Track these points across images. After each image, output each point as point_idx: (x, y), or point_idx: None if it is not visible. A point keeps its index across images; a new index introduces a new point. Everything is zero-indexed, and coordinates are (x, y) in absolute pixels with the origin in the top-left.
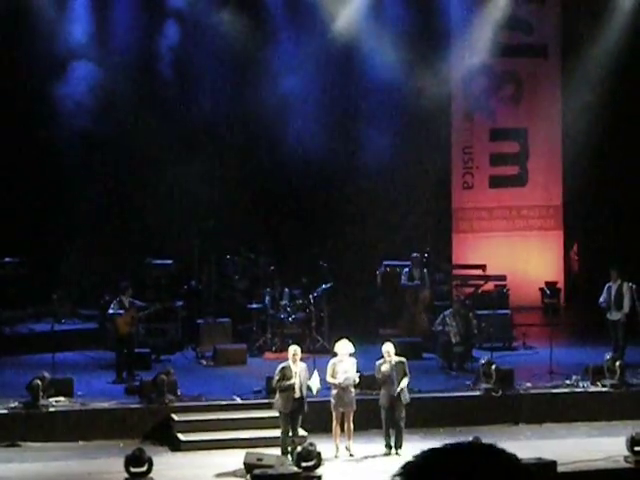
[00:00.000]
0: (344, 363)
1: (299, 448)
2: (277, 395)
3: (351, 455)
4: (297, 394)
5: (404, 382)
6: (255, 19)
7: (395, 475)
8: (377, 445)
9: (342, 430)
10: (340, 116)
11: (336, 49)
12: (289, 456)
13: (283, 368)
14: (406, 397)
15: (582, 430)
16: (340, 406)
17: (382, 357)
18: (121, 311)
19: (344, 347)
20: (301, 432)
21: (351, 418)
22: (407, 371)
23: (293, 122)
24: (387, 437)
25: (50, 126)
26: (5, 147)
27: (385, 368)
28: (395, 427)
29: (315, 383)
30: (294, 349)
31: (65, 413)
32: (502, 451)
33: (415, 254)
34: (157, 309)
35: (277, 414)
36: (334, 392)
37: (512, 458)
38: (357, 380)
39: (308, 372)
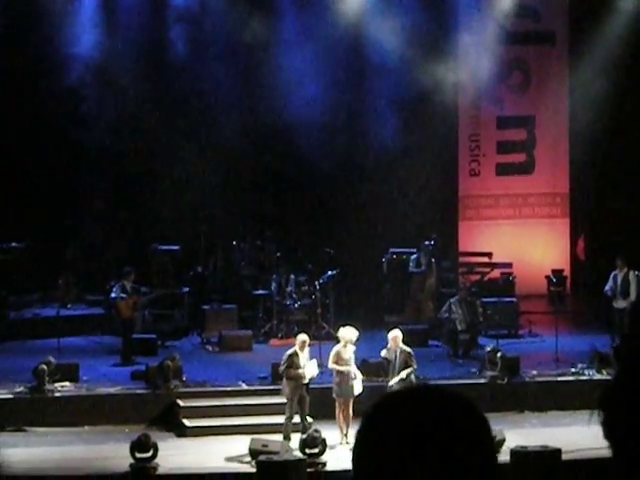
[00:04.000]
0: (347, 350)
1: (304, 435)
2: (284, 381)
3: (347, 443)
4: (305, 381)
5: (403, 373)
6: (262, 11)
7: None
8: None
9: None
10: (347, 104)
11: (344, 36)
12: (298, 441)
13: (291, 355)
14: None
15: (587, 418)
16: (342, 394)
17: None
18: (123, 295)
19: (349, 334)
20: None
21: (351, 406)
22: (411, 362)
23: (301, 109)
24: None
25: (60, 115)
26: (15, 134)
27: (385, 354)
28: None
29: (311, 371)
30: (304, 337)
31: (70, 398)
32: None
33: (426, 242)
34: (160, 294)
35: (282, 400)
36: (336, 379)
37: (466, 400)
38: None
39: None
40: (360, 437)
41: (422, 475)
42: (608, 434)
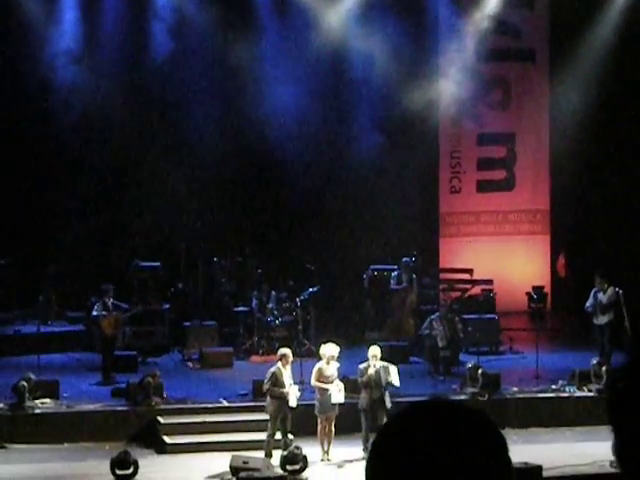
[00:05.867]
0: (330, 367)
1: (285, 452)
2: (268, 399)
3: (329, 460)
4: (288, 398)
5: (394, 376)
6: (243, 22)
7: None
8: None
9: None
10: (328, 120)
11: (325, 53)
12: (279, 458)
13: (274, 373)
14: (387, 403)
15: (568, 435)
16: (324, 411)
17: (366, 360)
18: (105, 312)
19: (330, 350)
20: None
21: (333, 422)
22: (390, 378)
23: (281, 126)
24: (366, 442)
25: (38, 129)
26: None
27: (370, 372)
28: (376, 432)
29: (293, 398)
30: (286, 352)
31: (51, 415)
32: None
33: (405, 259)
34: (140, 311)
35: (264, 417)
36: (318, 397)
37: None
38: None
39: (293, 376)
40: (375, 450)
41: None
42: (617, 450)
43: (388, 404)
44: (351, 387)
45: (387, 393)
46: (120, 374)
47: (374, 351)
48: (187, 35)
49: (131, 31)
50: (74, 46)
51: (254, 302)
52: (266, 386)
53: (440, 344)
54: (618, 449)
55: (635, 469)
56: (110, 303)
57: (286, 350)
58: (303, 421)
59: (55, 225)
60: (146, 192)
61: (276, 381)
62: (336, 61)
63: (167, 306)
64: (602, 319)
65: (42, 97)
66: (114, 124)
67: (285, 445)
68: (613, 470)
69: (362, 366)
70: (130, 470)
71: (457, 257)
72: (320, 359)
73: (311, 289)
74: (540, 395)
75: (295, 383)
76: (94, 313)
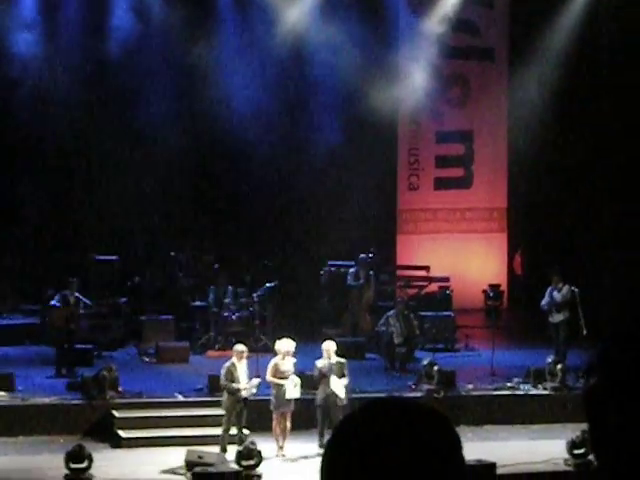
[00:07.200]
0: (286, 362)
1: (240, 447)
2: (225, 394)
3: (283, 455)
4: (244, 394)
5: (341, 383)
6: (204, 15)
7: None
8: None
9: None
10: (285, 115)
11: (285, 49)
12: (234, 453)
13: (229, 368)
14: (342, 399)
15: (523, 432)
16: (279, 406)
17: (322, 356)
18: (58, 304)
19: (285, 346)
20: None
21: (288, 418)
22: (345, 372)
23: (238, 121)
24: (321, 437)
25: None
26: None
27: (322, 365)
28: (332, 428)
29: (251, 388)
30: (241, 348)
31: (5, 408)
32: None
33: (362, 255)
34: (100, 311)
35: (219, 412)
36: (274, 392)
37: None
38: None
39: (249, 371)
40: (330, 448)
41: None
42: (594, 444)
43: (340, 402)
44: (307, 383)
45: (343, 389)
46: (76, 367)
47: (329, 346)
48: (148, 24)
49: (92, 15)
50: (32, 38)
51: (211, 297)
52: (222, 382)
53: (396, 341)
54: (595, 443)
55: (610, 461)
56: (73, 297)
57: (241, 346)
58: (258, 416)
59: (11, 218)
60: (104, 186)
61: (231, 376)
62: (296, 57)
63: (124, 300)
64: (557, 317)
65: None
66: (71, 119)
67: (240, 440)
68: (567, 468)
69: (318, 362)
70: (84, 464)
71: (414, 254)
72: (276, 354)
73: (268, 284)
74: (495, 392)
75: (251, 379)
76: (51, 302)
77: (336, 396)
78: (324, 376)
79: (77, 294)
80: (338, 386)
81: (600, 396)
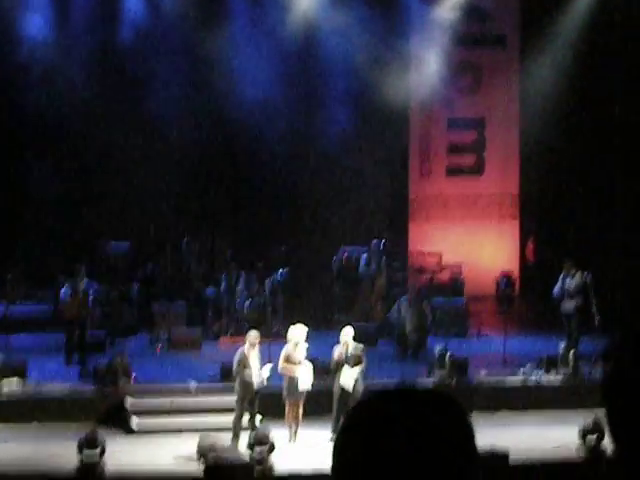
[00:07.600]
0: (298, 349)
1: (252, 434)
2: (237, 381)
3: (295, 442)
4: (256, 381)
5: (356, 371)
6: (215, 4)
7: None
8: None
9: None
10: (299, 103)
11: (295, 36)
12: (246, 440)
13: (242, 355)
14: (351, 390)
15: (535, 419)
16: (292, 394)
17: (339, 342)
18: (69, 292)
19: (298, 332)
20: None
21: (300, 407)
22: (363, 359)
23: (252, 108)
24: (336, 423)
25: (10, 110)
26: None
27: (339, 352)
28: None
29: (263, 377)
30: (255, 334)
31: (18, 395)
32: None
33: (375, 241)
34: (113, 296)
35: (232, 399)
36: (286, 383)
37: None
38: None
39: (261, 358)
40: (342, 435)
41: (399, 474)
42: (612, 430)
43: (360, 386)
44: (319, 370)
45: (352, 381)
46: (88, 355)
47: (347, 331)
48: (159, 9)
49: (101, 13)
50: (43, 31)
51: (223, 284)
52: (235, 369)
53: (408, 328)
54: (612, 429)
55: (628, 447)
56: (83, 283)
57: (254, 332)
58: (271, 404)
59: (24, 205)
60: (116, 173)
61: (243, 363)
62: (307, 45)
63: (136, 287)
64: (570, 304)
65: (12, 83)
66: (84, 106)
67: (252, 427)
68: (579, 454)
69: (335, 349)
70: (97, 451)
71: (426, 241)
72: (288, 341)
73: (280, 271)
74: (507, 380)
75: (263, 365)
76: (61, 296)
77: (356, 382)
78: (341, 364)
79: (86, 279)
80: (348, 378)
81: (617, 381)
